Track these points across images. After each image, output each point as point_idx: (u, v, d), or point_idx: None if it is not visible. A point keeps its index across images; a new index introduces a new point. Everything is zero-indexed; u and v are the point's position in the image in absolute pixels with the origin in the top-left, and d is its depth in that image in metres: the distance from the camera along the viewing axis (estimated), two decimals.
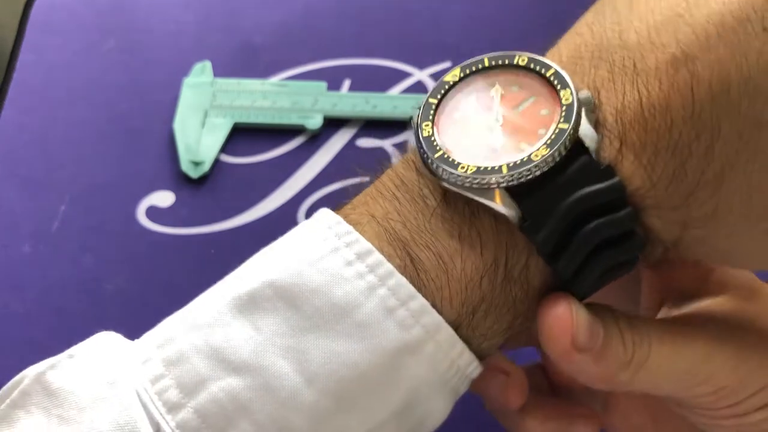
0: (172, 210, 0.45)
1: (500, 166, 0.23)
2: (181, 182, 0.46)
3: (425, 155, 0.24)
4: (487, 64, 0.24)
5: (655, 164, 0.23)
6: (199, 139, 0.47)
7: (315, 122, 0.47)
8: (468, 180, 0.23)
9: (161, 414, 0.23)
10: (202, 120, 0.48)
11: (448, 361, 0.23)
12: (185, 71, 0.50)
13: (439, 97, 0.24)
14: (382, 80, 0.49)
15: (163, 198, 0.45)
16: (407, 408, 0.23)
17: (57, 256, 0.43)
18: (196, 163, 0.46)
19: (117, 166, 0.47)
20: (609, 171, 0.23)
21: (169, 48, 0.51)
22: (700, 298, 0.29)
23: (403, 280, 0.23)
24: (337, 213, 0.25)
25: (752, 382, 0.26)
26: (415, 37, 0.51)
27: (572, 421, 0.30)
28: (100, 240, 0.44)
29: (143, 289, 0.42)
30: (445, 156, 0.23)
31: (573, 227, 0.23)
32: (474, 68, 0.24)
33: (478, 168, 0.23)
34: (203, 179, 0.46)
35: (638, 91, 0.23)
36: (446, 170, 0.23)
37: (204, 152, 0.46)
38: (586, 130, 0.23)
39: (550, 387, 0.34)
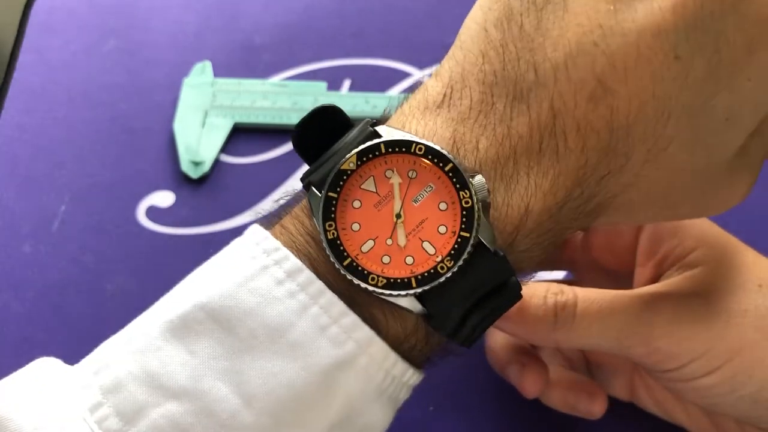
0: (172, 210, 0.45)
1: (409, 279, 0.24)
2: (181, 182, 0.46)
3: (334, 262, 0.24)
4: (383, 150, 0.24)
5: (551, 223, 0.25)
6: (199, 139, 0.47)
7: None
8: (378, 292, 0.24)
9: None
10: (202, 120, 0.48)
11: (382, 373, 0.24)
12: (185, 71, 0.50)
13: (338, 189, 0.24)
14: (382, 80, 0.49)
15: (163, 198, 0.45)
16: (346, 419, 0.24)
17: (57, 256, 0.43)
18: (196, 163, 0.46)
19: (117, 166, 0.47)
20: (503, 260, 0.24)
21: (169, 48, 0.51)
22: (683, 270, 0.31)
23: (335, 297, 0.24)
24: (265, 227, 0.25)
25: (692, 348, 0.29)
26: (415, 37, 0.51)
27: (577, 395, 0.35)
28: (100, 240, 0.44)
29: (143, 289, 0.42)
30: (354, 264, 0.24)
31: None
32: (371, 155, 0.24)
33: (388, 280, 0.24)
34: (203, 179, 0.46)
35: (556, 152, 0.24)
36: (356, 281, 0.24)
37: (204, 152, 0.46)
38: (485, 232, 0.24)
39: (585, 361, 0.37)
